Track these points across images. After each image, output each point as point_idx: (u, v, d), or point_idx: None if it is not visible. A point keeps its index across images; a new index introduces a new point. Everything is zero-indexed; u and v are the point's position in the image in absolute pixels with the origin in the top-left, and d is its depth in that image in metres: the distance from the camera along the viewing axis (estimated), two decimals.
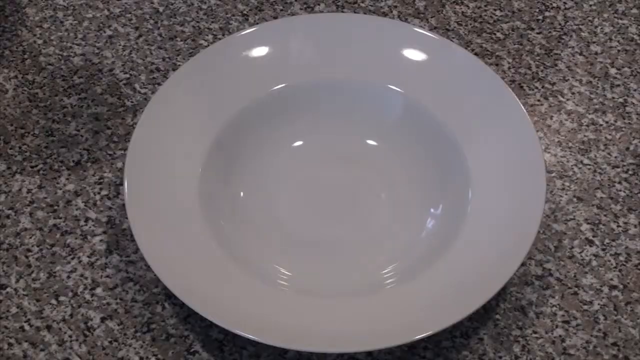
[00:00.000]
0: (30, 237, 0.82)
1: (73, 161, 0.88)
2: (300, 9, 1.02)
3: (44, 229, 0.83)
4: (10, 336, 0.76)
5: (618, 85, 0.95)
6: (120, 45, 0.99)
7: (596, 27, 1.02)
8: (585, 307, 0.78)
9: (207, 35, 1.00)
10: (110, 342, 0.75)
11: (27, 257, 0.81)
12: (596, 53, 0.99)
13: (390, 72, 0.87)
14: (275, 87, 0.87)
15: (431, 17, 1.02)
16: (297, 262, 0.78)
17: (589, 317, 0.77)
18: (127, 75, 0.96)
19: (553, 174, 0.87)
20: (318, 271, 0.78)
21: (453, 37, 0.99)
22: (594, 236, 0.83)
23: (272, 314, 0.71)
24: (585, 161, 0.88)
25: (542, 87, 0.95)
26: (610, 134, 0.91)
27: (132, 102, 0.93)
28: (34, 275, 0.80)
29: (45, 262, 0.80)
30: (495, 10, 1.03)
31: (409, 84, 0.86)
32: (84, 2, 1.03)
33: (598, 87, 0.95)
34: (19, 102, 0.93)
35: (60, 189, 0.86)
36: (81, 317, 0.77)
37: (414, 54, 0.88)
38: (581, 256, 0.81)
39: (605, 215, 0.84)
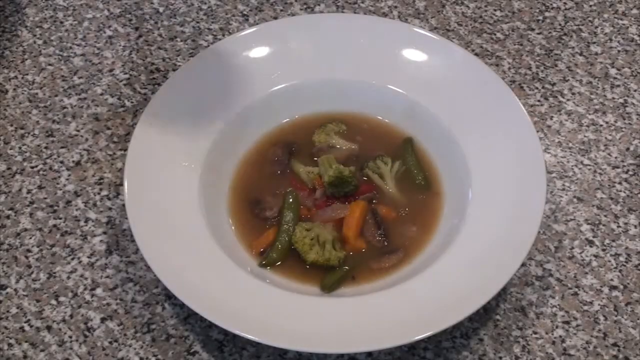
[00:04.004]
0: (30, 238, 0.82)
1: (73, 161, 0.88)
2: (300, 9, 1.02)
3: (44, 230, 0.83)
4: (10, 336, 0.76)
5: (618, 86, 0.95)
6: (120, 45, 0.99)
7: (596, 27, 1.02)
8: (586, 307, 0.78)
9: (207, 35, 1.00)
10: (110, 343, 0.75)
11: (27, 257, 0.81)
12: (596, 53, 0.99)
13: (390, 72, 0.87)
14: (275, 87, 0.87)
15: (431, 18, 1.02)
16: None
17: (589, 317, 0.77)
18: (127, 76, 0.96)
19: (553, 175, 0.87)
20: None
21: (453, 38, 0.99)
22: (594, 237, 0.83)
23: (272, 314, 0.71)
24: (586, 161, 0.88)
25: (542, 87, 0.95)
26: (610, 135, 0.91)
27: (132, 102, 0.93)
28: (34, 275, 0.80)
29: (45, 263, 0.80)
30: (495, 10, 1.03)
31: (409, 84, 0.86)
32: (84, 2, 1.04)
33: (598, 87, 0.95)
34: (19, 103, 0.93)
35: (60, 189, 0.86)
36: (81, 318, 0.77)
37: (414, 54, 0.88)
38: (581, 257, 0.81)
39: (605, 216, 0.84)
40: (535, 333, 0.76)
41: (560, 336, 0.76)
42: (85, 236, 0.82)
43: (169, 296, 0.77)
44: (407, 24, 0.99)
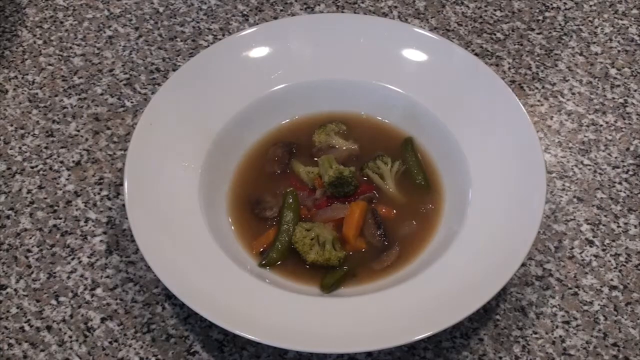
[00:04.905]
0: (31, 238, 0.82)
1: (73, 161, 0.88)
2: (300, 9, 1.02)
3: (44, 230, 0.83)
4: (10, 336, 0.76)
5: (618, 86, 0.95)
6: (120, 45, 0.99)
7: (596, 27, 1.02)
8: (586, 307, 0.78)
9: (207, 35, 1.00)
10: (111, 343, 0.75)
11: (27, 257, 0.81)
12: (596, 53, 0.99)
13: (390, 72, 0.87)
14: (275, 87, 0.87)
15: (431, 18, 1.02)
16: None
17: (589, 317, 0.77)
18: (127, 76, 0.96)
19: (553, 175, 0.87)
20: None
21: (453, 38, 0.99)
22: (594, 237, 0.83)
23: (272, 315, 0.71)
24: (586, 162, 0.88)
25: (542, 87, 0.95)
26: (610, 135, 0.91)
27: (132, 102, 0.93)
28: (34, 275, 0.80)
29: (45, 263, 0.80)
30: (495, 10, 1.03)
31: (409, 84, 0.86)
32: (84, 2, 1.04)
33: (598, 87, 0.95)
34: (19, 102, 0.93)
35: (60, 189, 0.86)
36: (81, 318, 0.77)
37: (414, 54, 0.88)
38: (581, 257, 0.81)
39: (605, 216, 0.84)
40: (535, 333, 0.76)
41: (560, 336, 0.76)
42: (85, 236, 0.82)
43: (169, 296, 0.78)
44: (407, 24, 0.99)
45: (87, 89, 0.94)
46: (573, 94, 0.94)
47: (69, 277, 0.79)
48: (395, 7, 1.03)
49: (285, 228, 0.79)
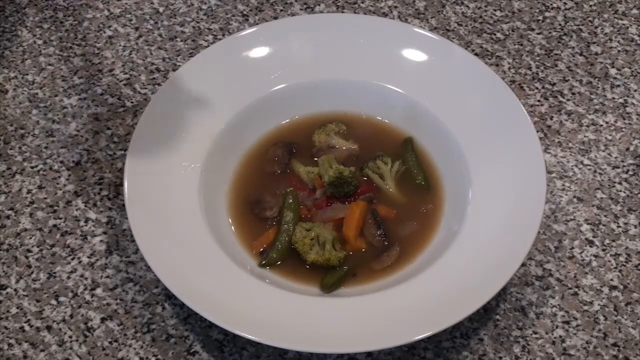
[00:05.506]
0: (31, 238, 0.82)
1: (73, 161, 0.88)
2: (300, 9, 1.02)
3: (44, 230, 0.83)
4: (10, 336, 0.76)
5: (618, 86, 0.95)
6: (120, 45, 0.99)
7: (596, 27, 1.02)
8: (586, 307, 0.78)
9: (207, 35, 1.00)
10: (111, 343, 0.75)
11: (27, 257, 0.81)
12: (596, 53, 0.99)
13: (390, 72, 0.87)
14: (275, 87, 0.87)
15: (431, 18, 1.02)
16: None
17: (589, 317, 0.77)
18: (127, 76, 0.96)
19: (553, 175, 0.87)
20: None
21: (453, 38, 0.99)
22: (594, 237, 0.83)
23: (272, 314, 0.71)
24: (586, 161, 0.88)
25: (542, 87, 0.95)
26: (610, 135, 0.91)
27: (132, 102, 0.93)
28: (34, 275, 0.80)
29: (45, 263, 0.80)
30: (495, 10, 1.03)
31: (409, 84, 0.86)
32: (84, 2, 1.04)
33: (598, 87, 0.95)
34: (19, 102, 0.93)
35: (60, 189, 0.86)
36: (81, 318, 0.77)
37: (414, 54, 0.88)
38: (581, 257, 0.81)
39: (605, 216, 0.84)
40: (535, 333, 0.76)
41: (560, 336, 0.76)
42: (85, 236, 0.82)
43: (169, 296, 0.78)
44: (407, 24, 0.99)
45: (87, 89, 0.94)
46: (573, 94, 0.94)
47: (69, 277, 0.79)
48: (395, 7, 1.03)
49: (285, 228, 0.79)
